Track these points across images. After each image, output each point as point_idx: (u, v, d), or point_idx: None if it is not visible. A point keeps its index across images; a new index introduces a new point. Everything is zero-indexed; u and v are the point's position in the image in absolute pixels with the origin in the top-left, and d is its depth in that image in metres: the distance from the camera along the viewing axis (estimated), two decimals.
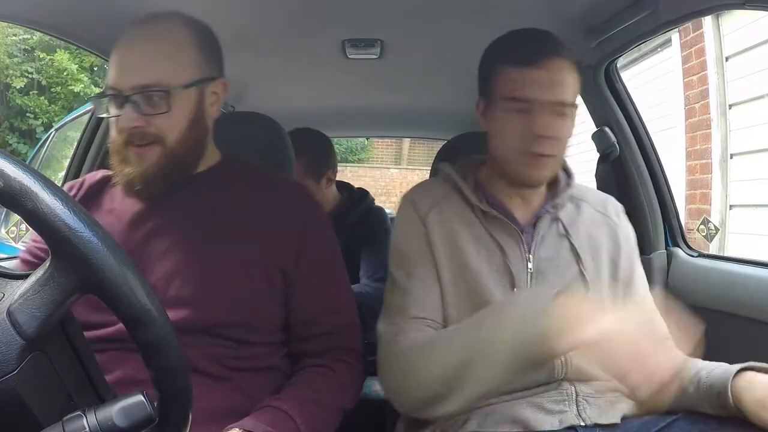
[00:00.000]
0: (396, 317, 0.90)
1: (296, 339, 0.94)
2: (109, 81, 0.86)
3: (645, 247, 1.41)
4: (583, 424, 0.86)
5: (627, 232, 1.03)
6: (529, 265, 0.93)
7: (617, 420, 0.87)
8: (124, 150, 0.86)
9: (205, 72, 0.90)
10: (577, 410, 0.87)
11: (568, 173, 1.03)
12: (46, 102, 7.47)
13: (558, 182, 1.00)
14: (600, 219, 1.00)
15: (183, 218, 0.89)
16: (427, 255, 0.93)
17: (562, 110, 0.89)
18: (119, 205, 0.92)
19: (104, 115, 0.89)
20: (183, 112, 0.87)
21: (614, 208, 1.04)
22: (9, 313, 0.47)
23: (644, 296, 1.00)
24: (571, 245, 0.95)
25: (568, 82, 0.89)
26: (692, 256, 1.38)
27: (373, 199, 1.93)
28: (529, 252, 0.93)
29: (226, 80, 0.94)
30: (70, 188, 0.98)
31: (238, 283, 0.87)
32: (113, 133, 0.87)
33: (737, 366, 0.81)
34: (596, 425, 0.86)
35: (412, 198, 0.98)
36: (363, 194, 1.91)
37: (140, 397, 0.50)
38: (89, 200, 0.94)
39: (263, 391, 0.88)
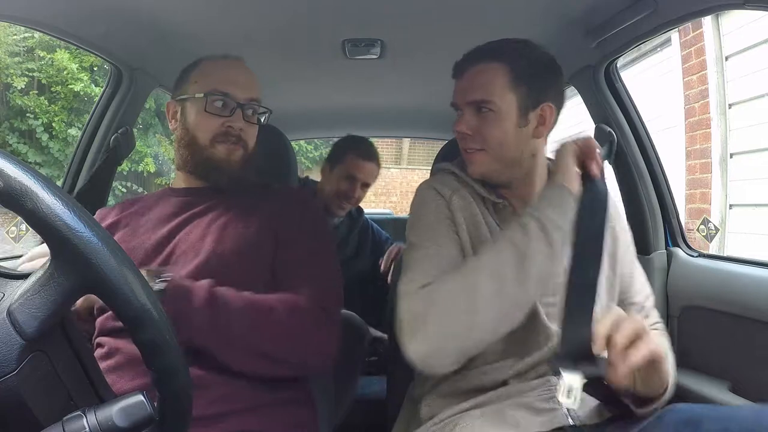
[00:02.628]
0: (418, 275, 0.90)
1: None
2: (217, 86, 1.05)
3: (645, 247, 1.41)
4: (571, 423, 0.86)
5: (623, 224, 1.09)
6: None
7: (606, 417, 0.88)
8: (210, 147, 1.05)
9: None
10: (566, 408, 0.87)
11: None
12: (46, 102, 7.46)
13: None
14: None
15: (213, 211, 1.05)
16: (452, 231, 0.96)
17: (480, 108, 0.98)
18: (155, 205, 1.10)
19: (209, 113, 1.04)
20: (258, 127, 1.12)
21: (613, 207, 1.08)
22: (9, 313, 0.48)
23: (641, 289, 1.06)
24: None
25: (479, 84, 0.98)
26: (692, 256, 1.38)
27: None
28: None
29: None
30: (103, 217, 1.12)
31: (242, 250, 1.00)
32: (204, 130, 1.05)
33: None
34: (584, 425, 0.86)
35: (431, 185, 1.03)
36: (359, 210, 2.09)
37: (140, 397, 0.50)
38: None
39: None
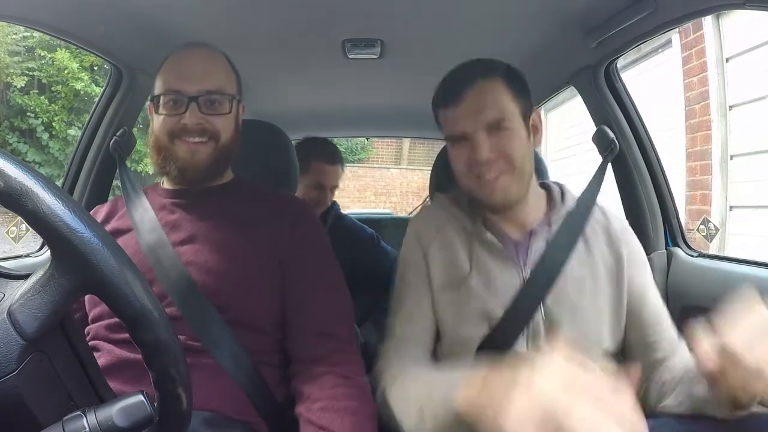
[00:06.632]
0: (391, 348, 0.97)
1: (292, 335, 0.98)
2: (168, 85, 0.97)
3: (645, 247, 1.41)
4: None
5: (631, 246, 1.02)
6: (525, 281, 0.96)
7: None
8: (172, 146, 0.98)
9: (238, 92, 1.06)
10: None
11: (562, 191, 1.05)
12: (46, 101, 7.46)
13: (552, 199, 1.03)
14: (592, 235, 1.00)
15: (204, 226, 1.00)
16: (424, 295, 0.99)
17: (496, 128, 0.93)
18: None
19: (163, 114, 0.98)
20: (234, 117, 1.03)
21: (619, 223, 1.04)
22: (9, 313, 0.48)
23: (654, 307, 0.99)
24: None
25: (489, 103, 0.93)
26: (692, 256, 1.38)
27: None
28: (524, 270, 0.96)
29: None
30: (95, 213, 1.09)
31: (240, 273, 0.96)
32: (161, 131, 0.98)
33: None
34: None
35: (416, 231, 1.03)
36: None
37: (140, 397, 0.50)
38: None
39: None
